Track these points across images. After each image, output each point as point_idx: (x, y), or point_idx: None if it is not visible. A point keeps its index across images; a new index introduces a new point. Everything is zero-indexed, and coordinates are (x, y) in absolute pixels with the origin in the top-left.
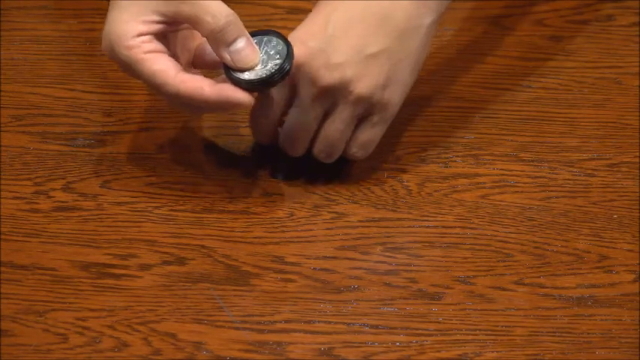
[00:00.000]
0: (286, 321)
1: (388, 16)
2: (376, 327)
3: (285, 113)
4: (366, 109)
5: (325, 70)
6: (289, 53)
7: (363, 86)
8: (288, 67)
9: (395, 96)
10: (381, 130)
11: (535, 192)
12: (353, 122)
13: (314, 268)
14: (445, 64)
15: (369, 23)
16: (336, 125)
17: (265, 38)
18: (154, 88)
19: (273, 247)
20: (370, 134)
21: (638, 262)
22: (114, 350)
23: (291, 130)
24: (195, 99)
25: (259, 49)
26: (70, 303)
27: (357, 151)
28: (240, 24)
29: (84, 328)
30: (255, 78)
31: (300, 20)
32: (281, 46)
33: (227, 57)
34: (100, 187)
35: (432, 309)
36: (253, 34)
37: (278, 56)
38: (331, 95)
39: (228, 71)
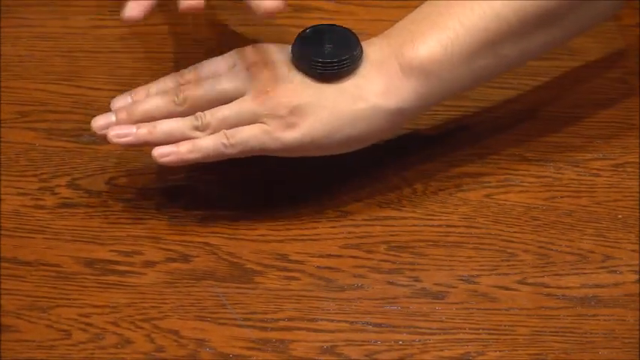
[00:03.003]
0: (289, 319)
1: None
2: (379, 325)
3: None
4: (265, 119)
5: (268, 61)
6: (359, 49)
7: (280, 96)
8: (358, 56)
9: (297, 129)
10: (259, 139)
11: (540, 191)
12: (243, 117)
13: (318, 267)
14: None
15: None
16: (232, 106)
17: (332, 29)
18: None
19: (277, 245)
20: (249, 133)
21: None
22: (117, 347)
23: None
24: None
25: (324, 39)
26: (73, 299)
27: (224, 138)
28: None
29: (87, 324)
30: (328, 60)
31: (308, 19)
32: (351, 41)
33: None
34: (105, 184)
35: (436, 308)
36: (320, 26)
37: (348, 48)
38: (250, 80)
39: (302, 55)
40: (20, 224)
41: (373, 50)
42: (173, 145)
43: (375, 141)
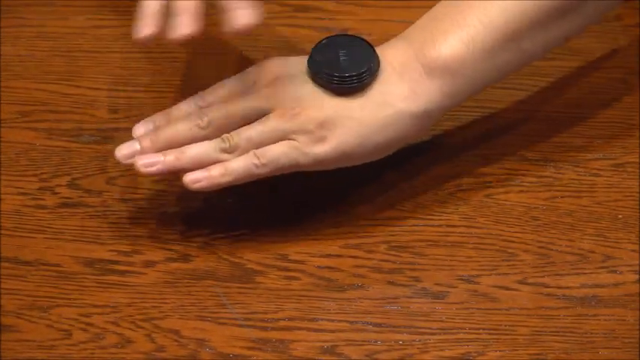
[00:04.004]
0: (290, 319)
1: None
2: (379, 325)
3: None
4: (293, 135)
5: (287, 75)
6: (375, 59)
7: (305, 111)
8: (375, 68)
9: (328, 143)
10: (290, 156)
11: (540, 191)
12: (271, 135)
13: (318, 266)
14: None
15: None
16: (258, 125)
17: (347, 40)
18: None
19: (277, 245)
20: (280, 151)
21: None
22: (117, 346)
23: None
24: None
25: (340, 51)
26: (74, 299)
27: (255, 158)
28: None
29: (87, 324)
30: (346, 75)
31: (308, 18)
32: (365, 49)
33: None
34: (105, 183)
35: (436, 308)
36: (336, 37)
37: (364, 61)
38: (273, 97)
39: (319, 70)
40: (20, 224)
41: (394, 54)
42: (204, 169)
43: (402, 145)
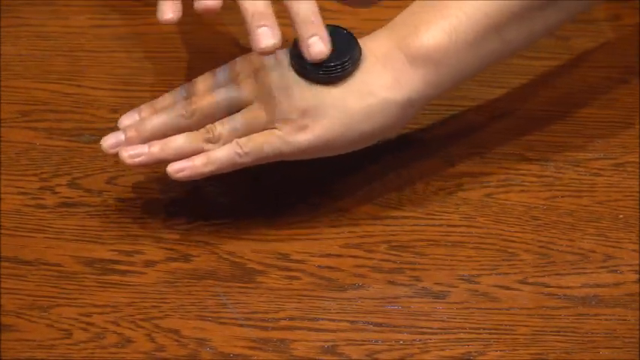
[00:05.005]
0: (290, 318)
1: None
2: (380, 325)
3: None
4: (276, 124)
5: (271, 66)
6: (357, 48)
7: (288, 100)
8: (357, 56)
9: (310, 131)
10: (273, 145)
11: (540, 191)
12: (254, 125)
13: (319, 266)
14: None
15: None
16: (241, 115)
17: (329, 31)
18: None
19: (278, 245)
20: (262, 140)
21: None
22: (117, 346)
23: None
24: None
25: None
26: (74, 299)
27: (238, 148)
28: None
29: (88, 323)
30: (331, 64)
31: None
32: (346, 38)
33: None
34: (105, 183)
35: (436, 307)
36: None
37: (346, 50)
38: (256, 87)
39: (301, 59)
40: (21, 223)
41: (376, 45)
42: (187, 159)
43: (385, 135)
